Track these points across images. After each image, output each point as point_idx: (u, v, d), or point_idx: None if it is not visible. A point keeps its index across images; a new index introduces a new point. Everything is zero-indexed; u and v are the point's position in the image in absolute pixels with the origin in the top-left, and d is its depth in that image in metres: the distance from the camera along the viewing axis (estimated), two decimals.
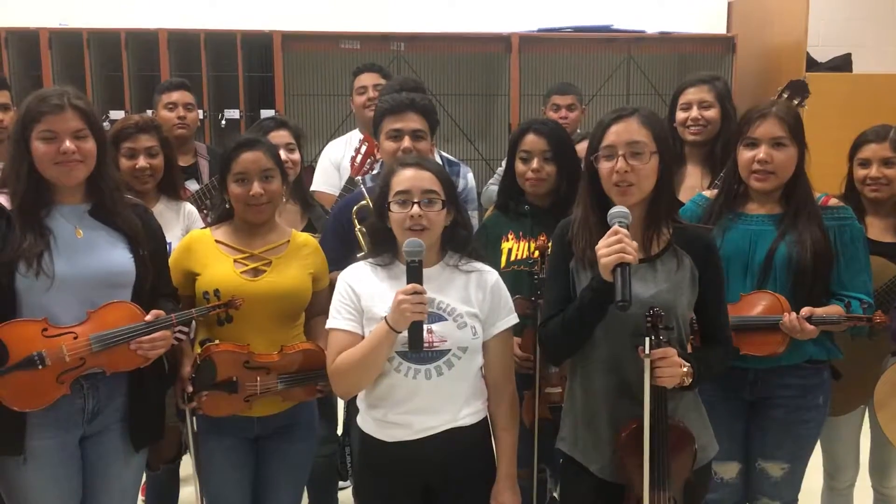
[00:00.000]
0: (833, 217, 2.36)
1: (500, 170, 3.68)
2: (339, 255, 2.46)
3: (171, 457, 2.76)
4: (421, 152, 2.53)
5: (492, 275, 2.15)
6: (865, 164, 2.71)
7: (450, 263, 2.13)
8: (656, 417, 1.91)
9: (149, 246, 2.20)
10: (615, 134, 1.97)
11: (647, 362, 1.88)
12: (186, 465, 2.69)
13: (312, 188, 3.38)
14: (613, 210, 1.92)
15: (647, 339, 1.86)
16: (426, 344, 1.99)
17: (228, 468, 2.35)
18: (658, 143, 1.97)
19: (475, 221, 2.96)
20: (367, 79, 3.61)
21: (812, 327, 2.24)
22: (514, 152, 2.62)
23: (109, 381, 2.15)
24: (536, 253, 2.43)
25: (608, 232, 1.88)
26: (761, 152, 2.30)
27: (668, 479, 1.92)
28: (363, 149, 2.92)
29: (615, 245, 1.84)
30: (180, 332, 2.25)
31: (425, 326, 1.97)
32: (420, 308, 1.93)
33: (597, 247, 1.88)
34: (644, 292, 1.93)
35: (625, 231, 1.87)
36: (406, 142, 2.57)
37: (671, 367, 1.88)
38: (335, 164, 3.44)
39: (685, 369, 1.92)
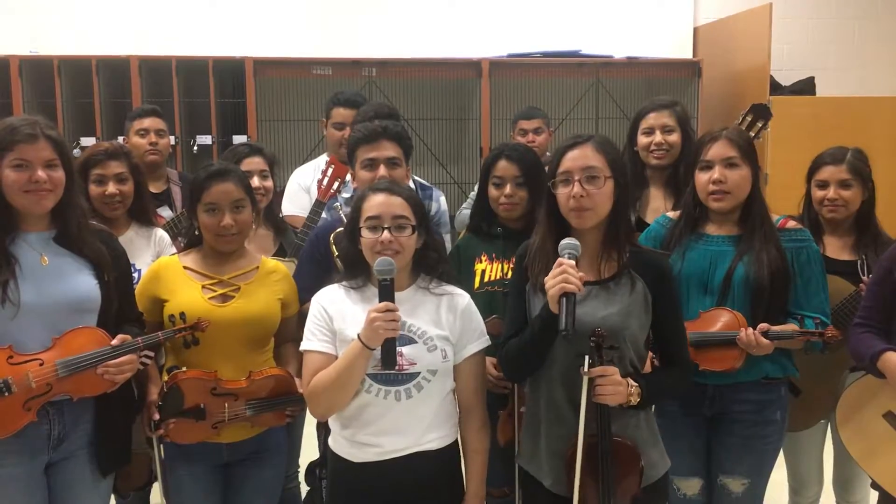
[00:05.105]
0: (791, 239, 2.41)
1: (474, 194, 3.70)
2: (318, 281, 2.40)
3: (141, 484, 2.72)
4: (396, 179, 2.51)
5: (463, 298, 2.17)
6: (823, 185, 2.77)
7: (421, 286, 2.15)
8: (601, 434, 1.95)
9: (113, 271, 2.20)
10: (571, 160, 2.02)
11: (584, 380, 1.92)
12: (157, 493, 2.67)
13: (282, 213, 3.38)
14: (564, 242, 1.97)
15: (587, 358, 1.91)
16: (396, 366, 2.00)
17: (198, 495, 2.34)
18: (612, 168, 2.02)
19: (448, 245, 2.98)
20: (347, 115, 3.48)
21: (767, 342, 2.29)
22: (486, 177, 2.64)
23: (75, 406, 2.14)
24: (510, 274, 2.45)
25: (555, 263, 1.94)
26: (716, 173, 2.37)
27: (613, 496, 1.96)
28: (330, 171, 2.92)
29: (559, 276, 1.90)
30: (146, 356, 2.25)
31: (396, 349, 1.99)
32: (393, 325, 1.95)
33: (545, 279, 1.94)
34: (595, 314, 1.98)
35: (570, 262, 1.93)
36: (381, 170, 2.55)
37: (612, 384, 1.92)
38: (304, 188, 3.45)
39: (632, 389, 1.95)
